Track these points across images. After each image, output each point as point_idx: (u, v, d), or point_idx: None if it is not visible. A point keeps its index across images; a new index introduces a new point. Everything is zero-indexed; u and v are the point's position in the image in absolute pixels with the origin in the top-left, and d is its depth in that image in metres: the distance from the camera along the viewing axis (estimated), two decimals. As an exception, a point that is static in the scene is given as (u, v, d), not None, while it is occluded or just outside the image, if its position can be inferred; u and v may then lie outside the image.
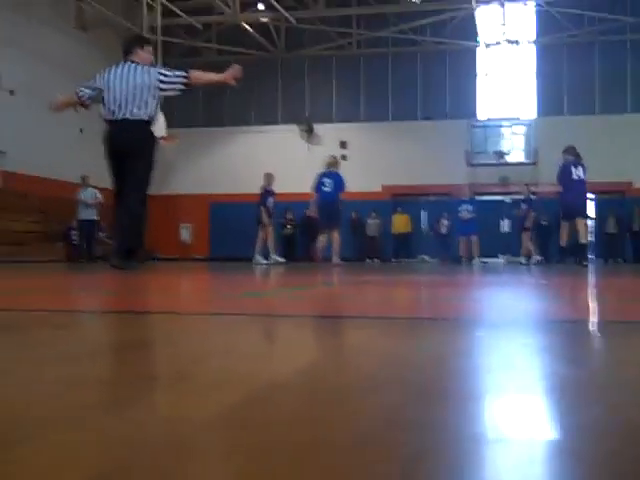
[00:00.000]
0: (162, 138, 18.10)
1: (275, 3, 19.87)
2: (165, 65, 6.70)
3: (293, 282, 5.61)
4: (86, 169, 17.50)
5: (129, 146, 6.23)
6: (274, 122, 22.73)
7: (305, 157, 21.37)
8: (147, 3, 19.17)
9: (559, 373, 1.14)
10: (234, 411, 0.81)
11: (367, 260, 19.49)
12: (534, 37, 21.89)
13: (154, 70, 6.40)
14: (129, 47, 6.51)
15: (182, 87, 6.34)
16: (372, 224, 21.09)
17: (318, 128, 22.14)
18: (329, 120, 22.47)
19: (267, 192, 14.38)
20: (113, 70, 6.41)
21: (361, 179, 20.02)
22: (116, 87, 6.28)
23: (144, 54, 6.49)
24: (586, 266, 10.68)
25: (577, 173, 10.99)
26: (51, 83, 19.01)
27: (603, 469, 0.61)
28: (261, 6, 21.15)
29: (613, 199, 21.20)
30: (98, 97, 6.41)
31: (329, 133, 22.04)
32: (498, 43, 21.89)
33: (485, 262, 17.61)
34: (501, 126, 21.80)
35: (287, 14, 20.52)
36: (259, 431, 0.72)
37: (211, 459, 0.63)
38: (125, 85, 6.26)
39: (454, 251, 18.51)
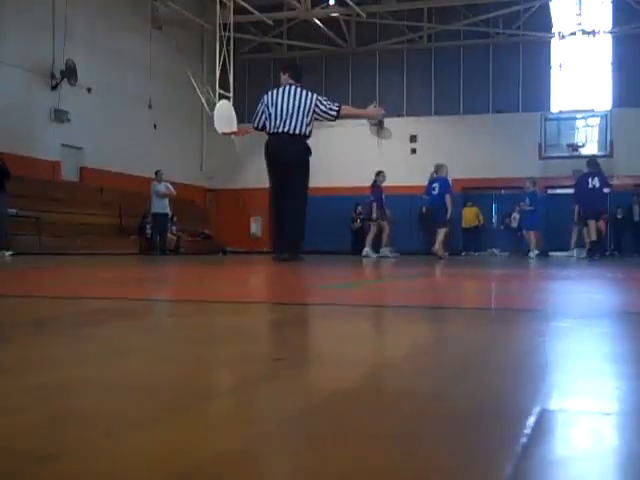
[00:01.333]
0: (233, 132, 18.55)
1: (346, -2, 20.00)
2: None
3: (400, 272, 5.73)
4: (159, 164, 18.00)
5: (288, 156, 7.27)
6: (345, 117, 22.75)
7: (375, 152, 21.41)
8: (220, 1, 19.56)
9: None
10: (365, 382, 0.95)
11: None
12: (610, 27, 21.38)
13: (314, 96, 7.45)
14: (301, 73, 7.75)
15: (334, 115, 7.46)
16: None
17: (388, 122, 22.11)
18: (400, 114, 22.45)
19: (380, 188, 14.99)
20: (279, 90, 7.49)
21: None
22: (283, 105, 7.33)
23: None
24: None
25: (593, 183, 13.27)
26: (126, 80, 19.63)
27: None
28: (332, 1, 21.30)
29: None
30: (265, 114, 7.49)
31: (400, 127, 21.96)
32: (573, 34, 21.46)
33: (548, 255, 17.29)
34: (575, 118, 21.38)
35: (358, 9, 20.61)
36: (391, 399, 0.85)
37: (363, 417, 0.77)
38: (289, 104, 7.33)
39: (525, 245, 18.25)
